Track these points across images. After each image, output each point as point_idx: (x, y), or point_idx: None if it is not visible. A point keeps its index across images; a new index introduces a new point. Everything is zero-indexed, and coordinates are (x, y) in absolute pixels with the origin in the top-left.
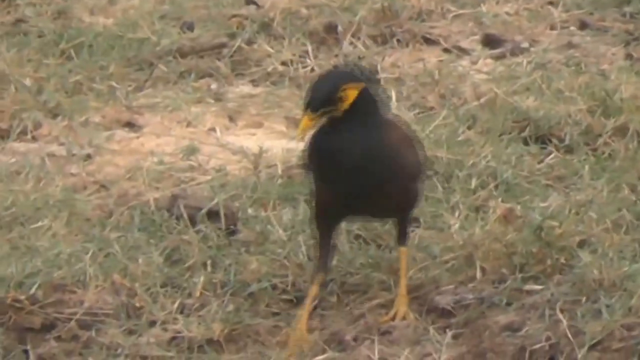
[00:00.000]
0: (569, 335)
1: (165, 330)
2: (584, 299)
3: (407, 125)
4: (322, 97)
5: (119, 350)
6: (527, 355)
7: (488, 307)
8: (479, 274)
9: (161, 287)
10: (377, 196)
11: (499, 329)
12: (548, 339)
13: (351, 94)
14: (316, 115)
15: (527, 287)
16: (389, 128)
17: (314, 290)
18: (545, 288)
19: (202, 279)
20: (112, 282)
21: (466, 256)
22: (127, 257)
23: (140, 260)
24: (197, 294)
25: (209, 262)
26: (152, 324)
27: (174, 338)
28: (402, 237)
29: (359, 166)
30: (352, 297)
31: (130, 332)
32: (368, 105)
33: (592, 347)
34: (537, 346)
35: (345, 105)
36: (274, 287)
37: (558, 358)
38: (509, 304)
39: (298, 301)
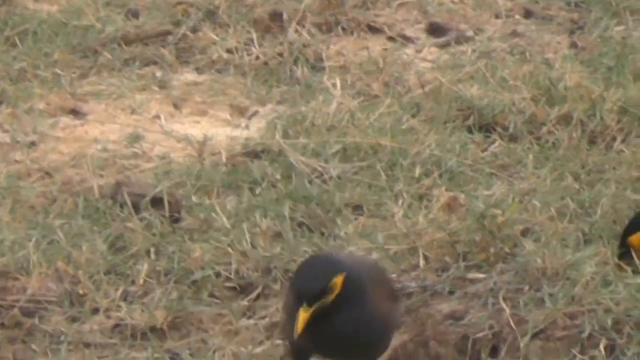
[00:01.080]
0: (512, 324)
1: (109, 317)
2: (526, 287)
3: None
4: (316, 292)
5: (62, 338)
6: (469, 343)
7: (431, 296)
8: (422, 262)
9: (105, 274)
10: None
11: (442, 317)
12: (491, 327)
13: (338, 282)
14: (311, 309)
15: (470, 275)
16: (376, 298)
17: None
18: (489, 276)
19: (145, 266)
20: (55, 269)
21: (409, 244)
22: (70, 244)
23: (83, 248)
24: (141, 281)
25: (152, 249)
26: (96, 311)
27: (117, 325)
28: None
29: (358, 345)
30: None
31: (74, 319)
32: (353, 289)
33: (534, 336)
34: (480, 335)
35: (334, 294)
36: (218, 274)
37: (501, 346)
38: (452, 293)
39: (242, 289)
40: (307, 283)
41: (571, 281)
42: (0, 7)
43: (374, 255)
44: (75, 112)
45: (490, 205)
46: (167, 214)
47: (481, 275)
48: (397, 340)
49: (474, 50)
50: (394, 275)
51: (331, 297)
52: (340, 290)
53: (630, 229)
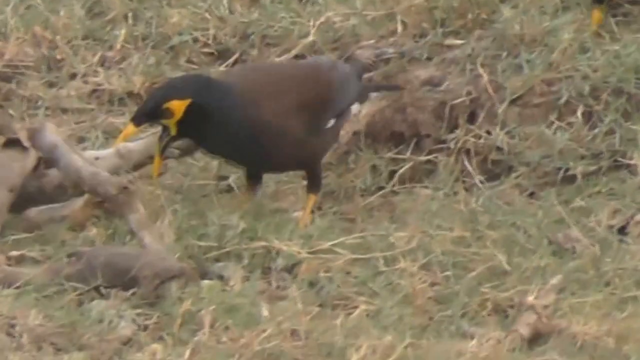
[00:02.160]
0: (490, 90)
1: (86, 82)
2: (504, 53)
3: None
4: (144, 111)
5: (40, 103)
6: (447, 109)
7: (408, 62)
8: (399, 28)
9: (82, 39)
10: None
11: (420, 83)
12: (469, 93)
13: (177, 108)
14: (139, 128)
15: (448, 41)
16: (261, 114)
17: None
18: (466, 43)
19: (123, 31)
20: (33, 34)
21: (387, 10)
22: (48, 9)
23: (61, 13)
24: (118, 46)
25: (130, 14)
26: (73, 76)
27: (94, 91)
28: (311, 187)
29: (242, 159)
30: (273, 50)
31: (51, 85)
32: (199, 118)
33: (512, 102)
34: (458, 101)
35: (174, 120)
36: (196, 40)
37: (478, 113)
38: (429, 59)
39: (219, 54)
40: (144, 101)
41: (549, 48)
42: None
43: (352, 21)
44: None
45: None
46: None
47: (459, 42)
48: (375, 106)
49: None
50: (371, 41)
51: (170, 121)
52: (182, 117)
53: None
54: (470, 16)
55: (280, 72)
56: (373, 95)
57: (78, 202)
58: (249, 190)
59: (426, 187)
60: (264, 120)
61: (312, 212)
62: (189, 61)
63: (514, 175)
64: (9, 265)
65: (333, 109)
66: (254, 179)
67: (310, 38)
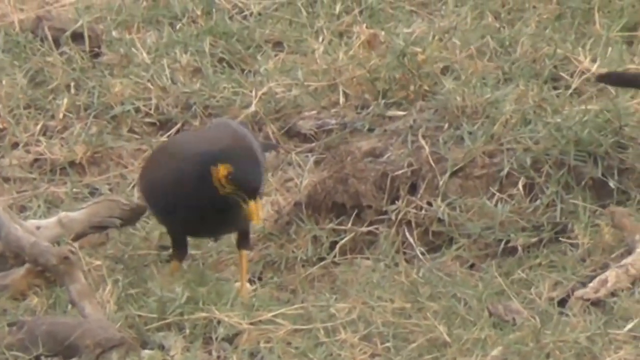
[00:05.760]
0: (431, 162)
1: (28, 152)
2: (446, 125)
3: None
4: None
5: None
6: (388, 181)
7: (350, 133)
8: (342, 99)
9: (24, 108)
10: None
11: (361, 154)
12: (410, 165)
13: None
14: None
15: (390, 113)
16: None
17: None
18: (408, 114)
19: (65, 101)
20: None
21: (329, 81)
22: None
23: (3, 82)
24: (60, 116)
25: (72, 84)
26: (15, 145)
27: (36, 160)
28: (244, 243)
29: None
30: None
31: None
32: None
33: (453, 174)
34: (399, 172)
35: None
36: (137, 110)
37: (420, 184)
38: (371, 130)
39: (161, 124)
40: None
41: (490, 119)
42: None
43: (294, 92)
44: None
45: (410, 43)
46: (88, 49)
47: (401, 113)
48: (316, 176)
49: None
50: (313, 112)
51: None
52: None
53: None
54: (412, 88)
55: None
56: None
57: (19, 272)
58: (179, 260)
59: (367, 258)
60: None
61: (253, 281)
62: (131, 131)
63: (454, 246)
64: None
65: None
66: (183, 249)
67: (253, 108)
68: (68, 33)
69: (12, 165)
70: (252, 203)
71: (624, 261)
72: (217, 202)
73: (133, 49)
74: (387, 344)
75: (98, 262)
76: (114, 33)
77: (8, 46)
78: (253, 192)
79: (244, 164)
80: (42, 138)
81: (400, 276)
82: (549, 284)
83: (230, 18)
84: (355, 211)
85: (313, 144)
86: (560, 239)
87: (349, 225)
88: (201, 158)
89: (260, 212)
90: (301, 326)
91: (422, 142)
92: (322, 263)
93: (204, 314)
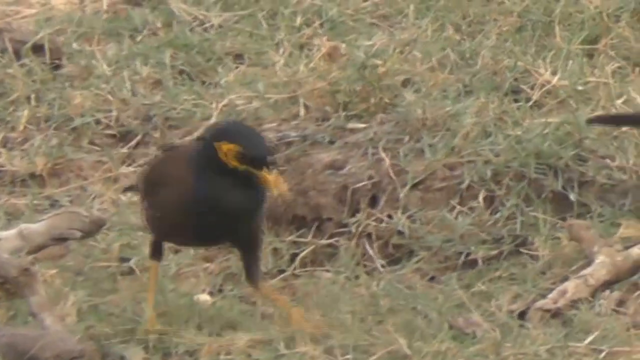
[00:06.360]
0: (392, 174)
1: None
2: (406, 138)
3: None
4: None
5: None
6: (349, 193)
7: (311, 145)
8: (302, 112)
9: None
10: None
11: (322, 167)
12: (370, 177)
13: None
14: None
15: (351, 125)
16: None
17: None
18: (369, 126)
19: (26, 112)
20: None
21: (290, 93)
22: None
23: None
24: (21, 127)
25: (33, 96)
26: None
27: None
28: (251, 272)
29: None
30: (176, 132)
31: None
32: None
33: (414, 186)
34: (360, 185)
35: None
36: (98, 122)
37: (380, 197)
38: (332, 142)
39: (121, 136)
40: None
41: (451, 132)
42: None
43: (255, 104)
44: None
45: (371, 55)
46: (48, 61)
47: (361, 125)
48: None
49: None
50: (274, 124)
51: None
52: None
53: None
54: (372, 100)
55: None
56: None
57: None
58: (158, 260)
59: (327, 270)
60: None
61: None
62: (91, 143)
63: (415, 259)
64: None
65: None
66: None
67: (213, 120)
68: (29, 45)
69: None
70: (267, 174)
71: (582, 272)
72: (228, 179)
73: (93, 61)
74: (348, 356)
75: (58, 274)
76: (74, 45)
77: None
78: (264, 163)
79: (249, 137)
80: (2, 150)
81: (360, 289)
82: (509, 297)
83: (191, 30)
84: (316, 224)
85: (274, 156)
86: (521, 251)
87: (310, 237)
88: (204, 138)
89: (281, 183)
90: (261, 338)
91: (383, 154)
92: (282, 275)
93: (163, 326)
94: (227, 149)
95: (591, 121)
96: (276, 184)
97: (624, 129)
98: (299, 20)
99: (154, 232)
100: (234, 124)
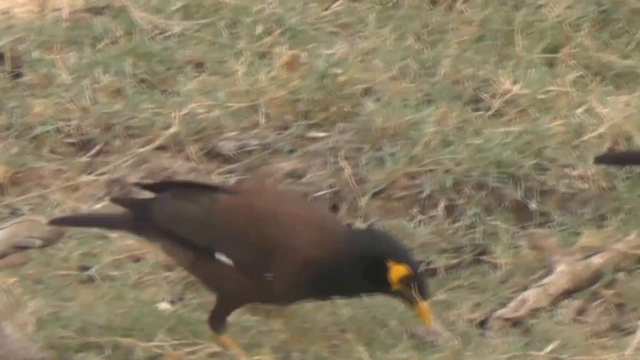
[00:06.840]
0: (352, 183)
1: None
2: (367, 146)
3: None
4: None
5: None
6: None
7: (271, 154)
8: (263, 120)
9: None
10: None
11: (282, 175)
12: (331, 186)
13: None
14: None
15: (311, 134)
16: None
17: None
18: (329, 135)
19: None
20: None
21: (250, 102)
22: None
23: None
24: None
25: None
26: None
27: None
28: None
29: None
30: (136, 140)
31: None
32: None
33: (374, 195)
34: (320, 193)
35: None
36: (58, 130)
37: (341, 205)
38: (292, 151)
39: (82, 145)
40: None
41: (412, 141)
42: None
43: (216, 112)
44: None
45: (331, 64)
46: (9, 69)
47: (322, 134)
48: None
49: None
50: (234, 133)
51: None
52: None
53: None
54: (333, 109)
55: None
56: None
57: None
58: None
59: None
60: None
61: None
62: (52, 151)
63: None
64: None
65: None
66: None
67: (174, 129)
68: None
69: None
70: (423, 303)
71: (543, 281)
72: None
73: (54, 70)
74: None
75: (18, 282)
76: (35, 53)
77: None
78: (427, 293)
79: (416, 263)
80: None
81: None
82: (470, 305)
83: (152, 39)
84: None
85: (234, 165)
86: (481, 260)
87: None
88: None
89: (430, 314)
90: (222, 348)
91: (343, 163)
92: None
93: (123, 335)
94: (396, 270)
95: (599, 160)
96: (428, 314)
97: (584, 137)
98: (259, 29)
99: (241, 300)
100: (395, 241)
